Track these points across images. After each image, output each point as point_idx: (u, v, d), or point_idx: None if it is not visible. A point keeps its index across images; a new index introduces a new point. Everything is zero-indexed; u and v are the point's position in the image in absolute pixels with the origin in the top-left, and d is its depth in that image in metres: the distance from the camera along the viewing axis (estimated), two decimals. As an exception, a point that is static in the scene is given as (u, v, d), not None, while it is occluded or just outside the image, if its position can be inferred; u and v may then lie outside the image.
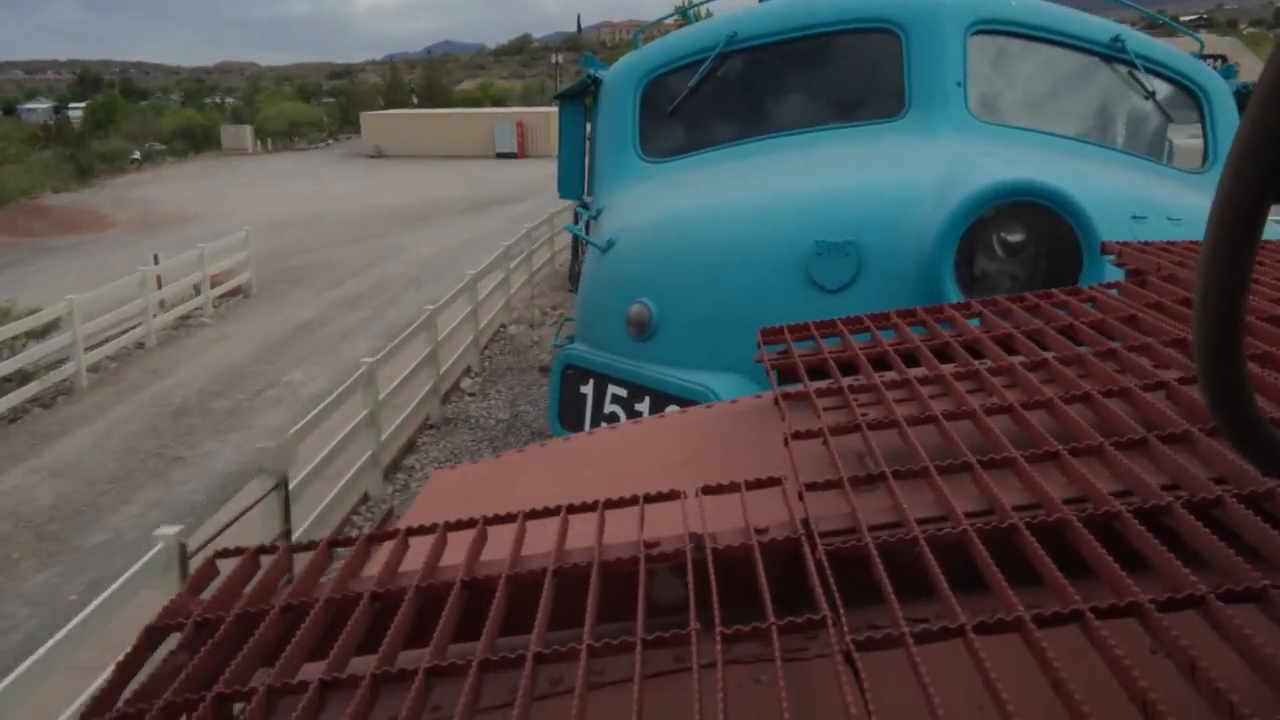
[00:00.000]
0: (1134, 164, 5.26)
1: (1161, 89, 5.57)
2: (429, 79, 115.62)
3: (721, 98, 5.79)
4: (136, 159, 61.89)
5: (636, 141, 5.88)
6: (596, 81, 6.35)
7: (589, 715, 1.10)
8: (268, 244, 26.97)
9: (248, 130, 75.67)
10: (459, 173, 51.85)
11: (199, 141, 74.21)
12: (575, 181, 7.02)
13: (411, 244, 28.31)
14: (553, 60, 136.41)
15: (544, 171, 47.17)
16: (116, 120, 76.52)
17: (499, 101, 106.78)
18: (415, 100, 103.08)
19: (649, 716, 1.07)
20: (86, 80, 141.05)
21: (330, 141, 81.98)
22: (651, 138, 5.89)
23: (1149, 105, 5.52)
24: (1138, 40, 5.58)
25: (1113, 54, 5.48)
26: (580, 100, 6.88)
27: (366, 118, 71.73)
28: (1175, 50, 5.85)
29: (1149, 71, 5.49)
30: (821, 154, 5.09)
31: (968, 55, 5.10)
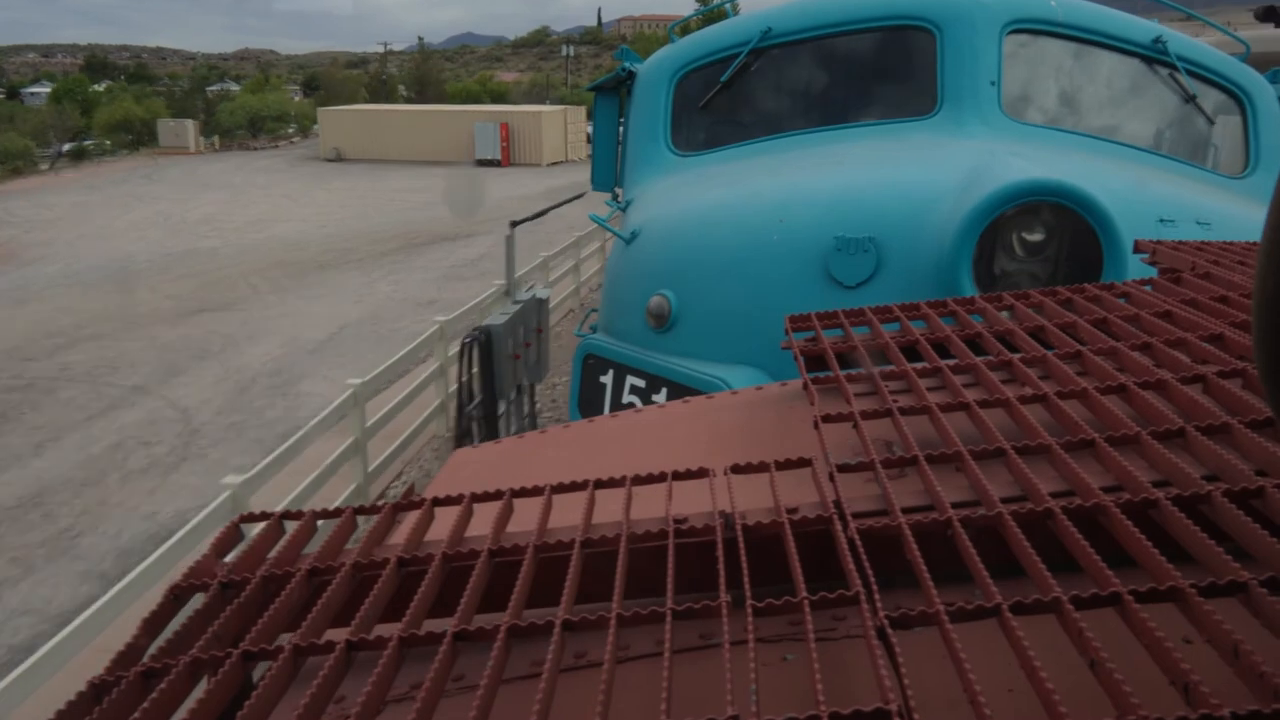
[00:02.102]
0: (1169, 167, 5.19)
1: (1204, 92, 5.50)
2: (420, 71, 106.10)
3: (754, 93, 5.78)
4: (55, 155, 53.39)
5: (668, 135, 5.89)
6: (631, 74, 6.36)
7: (615, 690, 1.09)
8: (53, 320, 19.16)
9: (189, 126, 65.12)
10: (420, 186, 42.90)
11: (141, 137, 64.32)
12: (608, 174, 7.03)
13: (266, 324, 18.86)
14: (564, 53, 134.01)
15: (527, 187, 42.57)
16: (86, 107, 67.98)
17: (499, 97, 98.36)
18: (403, 93, 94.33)
19: (676, 692, 1.06)
20: (94, 64, 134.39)
21: (296, 139, 71.78)
22: (683, 131, 5.89)
23: (1190, 108, 5.46)
24: (1180, 42, 5.51)
25: (1154, 56, 5.42)
26: (615, 93, 6.88)
27: (325, 115, 61.01)
28: (1219, 52, 5.78)
29: (1191, 74, 5.42)
30: (849, 151, 5.07)
31: (1003, 54, 5.06)
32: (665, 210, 5.24)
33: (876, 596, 1.10)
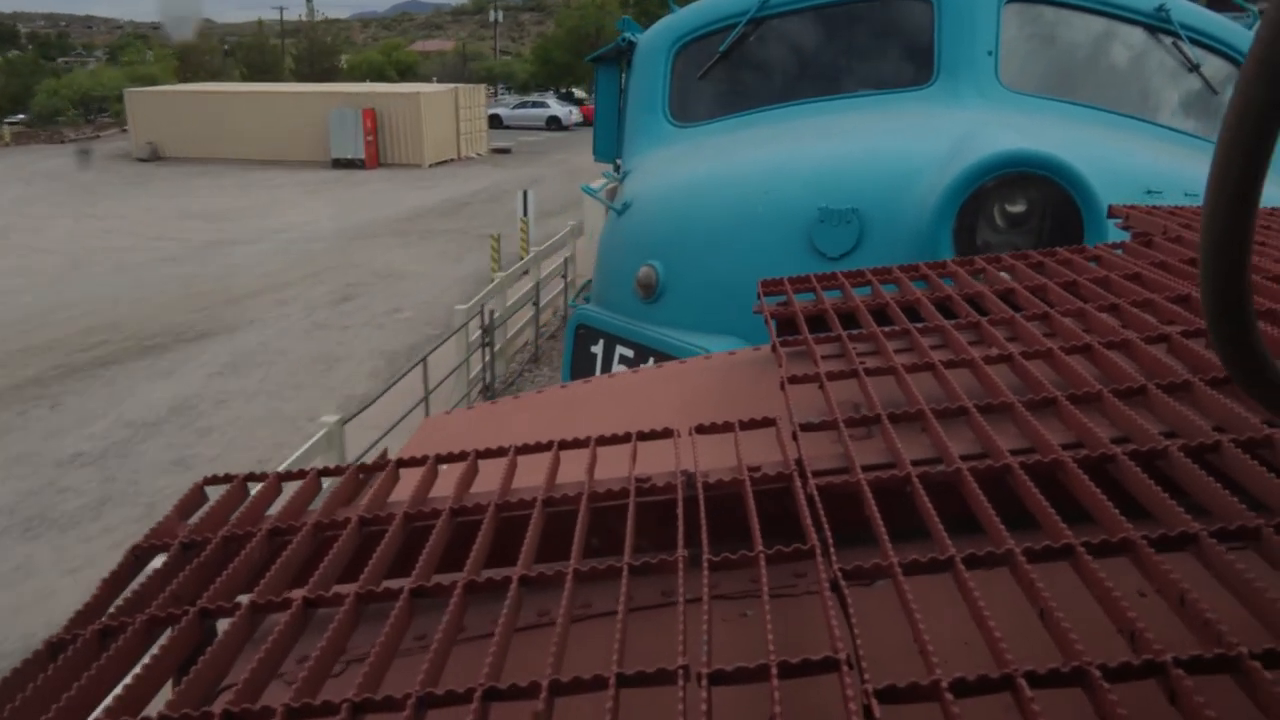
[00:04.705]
0: (1167, 137, 5.15)
1: (1209, 60, 5.45)
2: (312, 43, 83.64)
3: (752, 63, 5.79)
4: None
5: (666, 105, 5.89)
6: (631, 45, 6.35)
7: (573, 647, 1.09)
8: None
9: (-44, 115, 48.02)
10: (230, 209, 30.75)
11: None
12: (609, 145, 7.03)
13: None
14: (493, 18, 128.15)
15: (387, 208, 29.73)
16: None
17: (405, 71, 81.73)
18: (292, 68, 77.21)
19: (634, 648, 1.06)
20: (2, 34, 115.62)
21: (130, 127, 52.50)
22: (681, 102, 5.89)
23: (1193, 77, 5.42)
24: (1184, 10, 5.47)
25: (1156, 24, 5.38)
26: (615, 64, 6.88)
27: (134, 98, 45.85)
28: (1225, 20, 5.73)
29: (1194, 43, 5.38)
30: (842, 121, 5.07)
31: (1001, 24, 5.03)
32: (658, 181, 5.28)
33: (833, 551, 1.10)
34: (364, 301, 18.87)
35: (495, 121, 56.04)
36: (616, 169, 6.61)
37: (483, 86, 51.94)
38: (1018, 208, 3.81)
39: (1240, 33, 5.64)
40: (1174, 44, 5.39)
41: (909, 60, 5.23)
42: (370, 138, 41.37)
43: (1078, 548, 1.04)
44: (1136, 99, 5.38)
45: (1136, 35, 5.44)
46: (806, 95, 5.49)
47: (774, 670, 0.90)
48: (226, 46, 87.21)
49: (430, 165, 42.00)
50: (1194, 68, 5.36)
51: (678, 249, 4.72)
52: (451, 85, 48.98)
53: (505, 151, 47.60)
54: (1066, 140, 4.05)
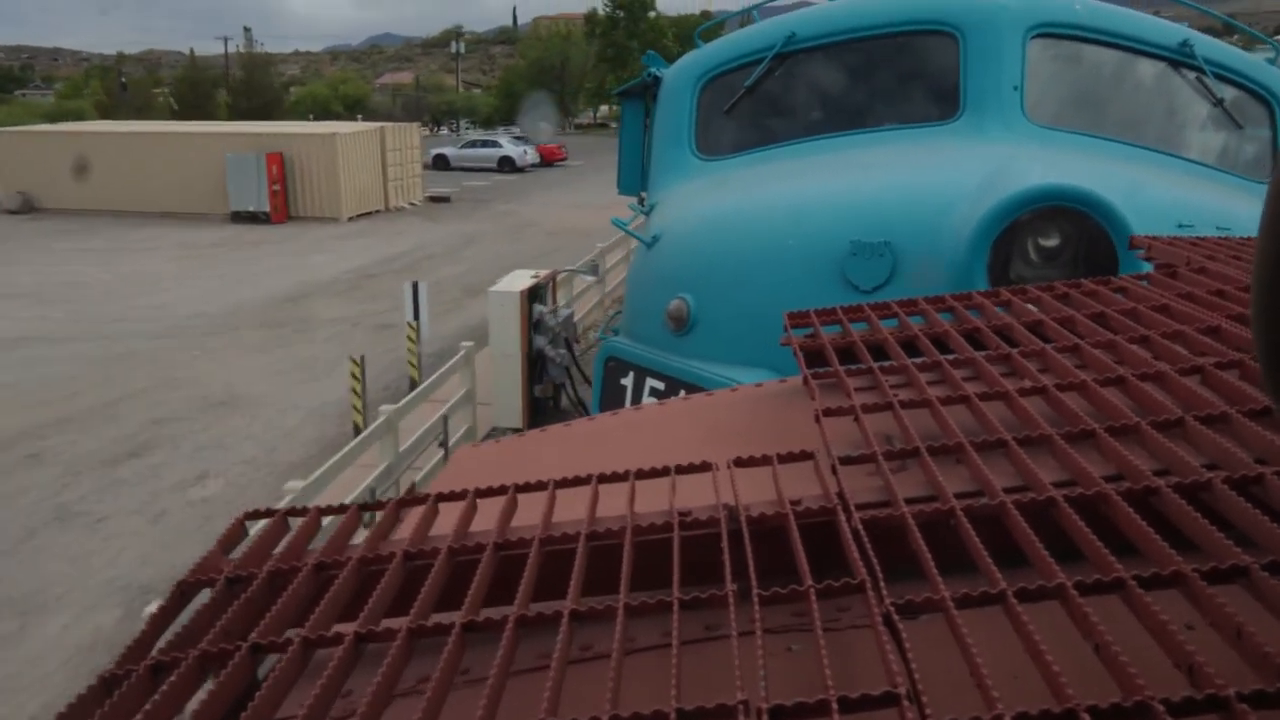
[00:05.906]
0: (1193, 171, 5.17)
1: (1231, 95, 5.49)
2: (250, 75, 77.67)
3: (777, 98, 5.85)
4: None
5: (692, 139, 5.96)
6: (657, 79, 6.43)
7: (622, 681, 1.09)
8: None
9: None
10: (68, 284, 23.57)
11: None
12: (634, 178, 7.10)
13: None
14: (453, 49, 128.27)
15: (278, 281, 22.33)
16: None
17: (353, 106, 77.54)
18: (228, 103, 72.19)
19: (684, 683, 1.06)
20: None
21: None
22: (707, 136, 5.96)
23: (1217, 112, 5.46)
24: (1207, 45, 5.51)
25: (1180, 59, 5.42)
26: (641, 98, 6.97)
27: (2, 140, 38.80)
28: (1247, 55, 5.77)
29: (1218, 78, 5.41)
30: (869, 156, 5.10)
31: (1026, 59, 5.07)
32: (687, 214, 5.34)
33: (882, 585, 1.11)
34: (159, 458, 12.68)
35: (442, 163, 52.30)
36: (641, 202, 6.67)
37: (415, 125, 44.76)
38: (1052, 241, 3.82)
39: (1263, 68, 5.67)
40: (1198, 79, 5.42)
41: (934, 95, 5.27)
42: (276, 186, 34.50)
43: (1129, 581, 1.04)
44: (1162, 133, 5.41)
45: (1161, 70, 5.48)
46: (832, 129, 5.55)
47: (834, 705, 0.90)
48: (125, 80, 79.43)
49: (350, 218, 35.56)
50: (1218, 102, 5.39)
51: (709, 281, 4.77)
52: (377, 124, 42.12)
53: (444, 200, 41.18)
54: (1097, 174, 4.07)
